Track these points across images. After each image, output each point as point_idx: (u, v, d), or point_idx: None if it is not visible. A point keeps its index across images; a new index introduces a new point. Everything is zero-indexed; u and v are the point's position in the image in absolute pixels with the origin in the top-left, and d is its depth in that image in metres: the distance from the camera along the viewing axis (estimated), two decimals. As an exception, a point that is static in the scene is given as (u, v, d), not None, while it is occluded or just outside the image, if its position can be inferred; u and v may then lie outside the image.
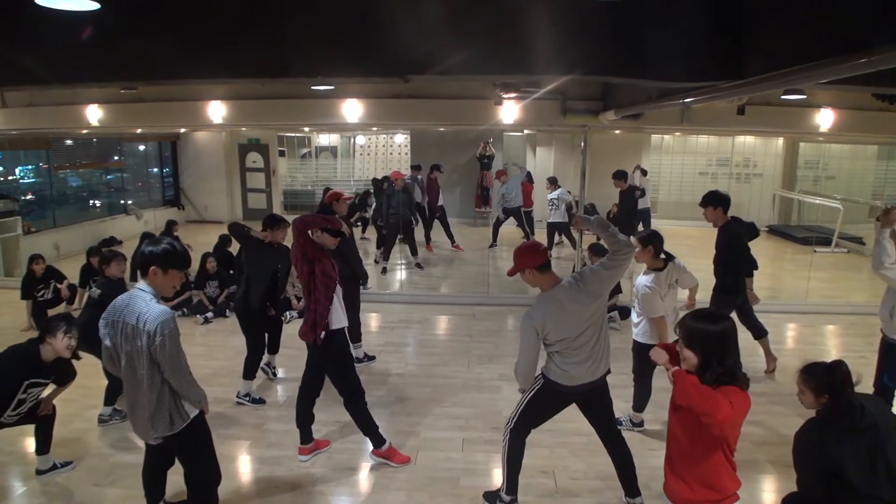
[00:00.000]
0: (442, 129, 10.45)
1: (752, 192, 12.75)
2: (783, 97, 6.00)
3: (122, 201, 12.01)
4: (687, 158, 12.79)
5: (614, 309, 6.34)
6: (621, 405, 3.91)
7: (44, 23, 3.21)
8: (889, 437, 2.28)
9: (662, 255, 3.84)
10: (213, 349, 5.79)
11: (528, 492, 3.34)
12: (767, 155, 12.73)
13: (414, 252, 8.90)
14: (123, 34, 3.41)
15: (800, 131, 8.31)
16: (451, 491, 3.47)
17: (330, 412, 4.14)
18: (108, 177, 12.17)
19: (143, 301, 2.48)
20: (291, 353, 5.04)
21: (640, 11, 3.27)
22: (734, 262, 4.73)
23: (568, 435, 3.92)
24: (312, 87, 6.38)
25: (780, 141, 12.58)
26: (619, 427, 3.46)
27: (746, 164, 12.83)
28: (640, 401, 4.07)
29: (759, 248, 6.11)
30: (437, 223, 10.08)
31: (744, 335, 3.76)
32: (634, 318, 3.92)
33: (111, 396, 4.22)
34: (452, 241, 9.93)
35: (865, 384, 3.17)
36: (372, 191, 10.60)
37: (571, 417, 3.22)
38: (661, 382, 3.15)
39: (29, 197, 10.17)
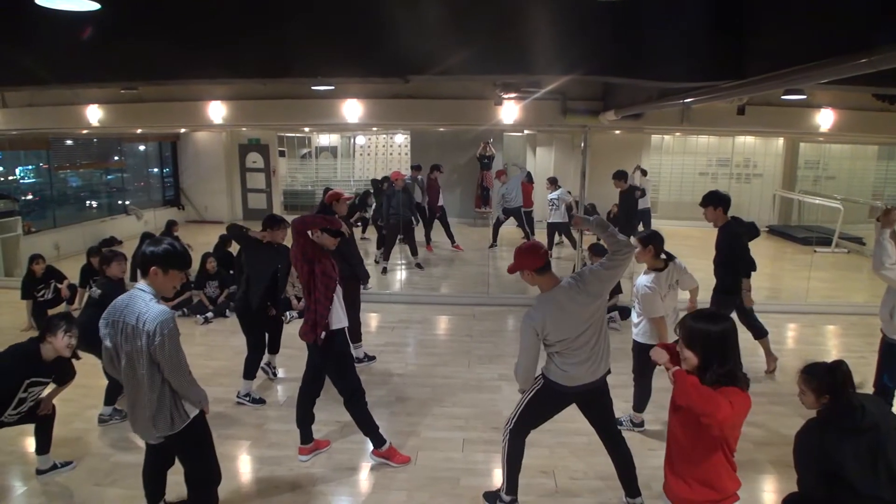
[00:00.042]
0: (442, 129, 10.45)
1: (752, 192, 12.75)
2: (783, 97, 6.01)
3: (121, 202, 12.01)
4: (687, 158, 12.79)
5: (614, 309, 6.34)
6: (621, 405, 3.91)
7: (44, 23, 3.21)
8: (890, 438, 2.27)
9: (663, 256, 3.84)
10: (213, 349, 5.79)
11: (528, 492, 3.34)
12: (767, 155, 12.74)
13: (414, 252, 8.90)
14: (123, 34, 3.41)
15: (800, 131, 8.32)
16: (451, 491, 3.47)
17: (330, 412, 4.14)
18: (109, 177, 12.17)
19: (143, 301, 2.48)
20: (292, 353, 5.04)
21: (641, 11, 3.27)
22: (734, 263, 4.73)
23: (568, 435, 3.92)
24: (312, 88, 6.39)
25: (781, 141, 12.58)
26: (619, 427, 3.46)
27: (746, 165, 12.83)
28: (641, 401, 4.07)
29: (760, 248, 6.12)
30: (437, 223, 10.08)
31: (744, 335, 3.76)
32: (634, 318, 3.92)
33: (111, 396, 4.22)
34: (453, 242, 9.93)
35: (865, 384, 3.16)
36: (372, 191, 10.60)
37: (572, 417, 3.22)
38: (662, 382, 3.15)
39: (29, 197, 10.18)
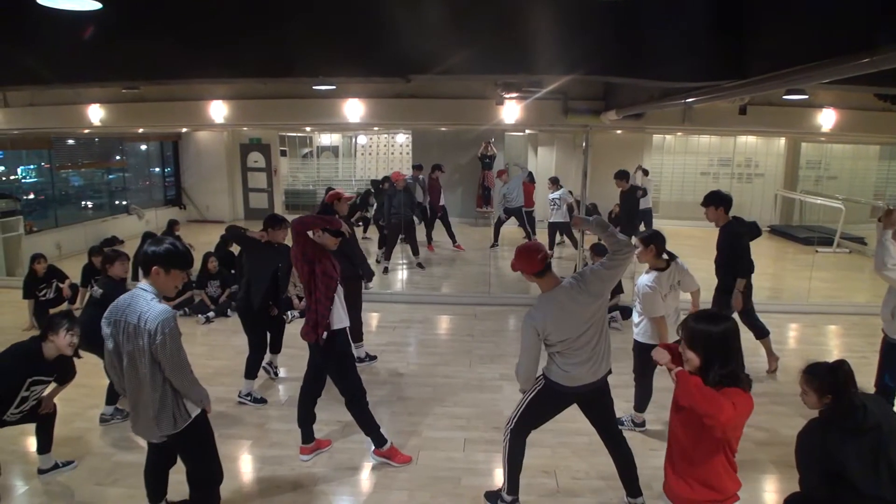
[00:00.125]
0: (443, 128, 10.46)
1: (753, 192, 12.73)
2: (785, 97, 6.00)
3: (123, 201, 12.02)
4: (689, 158, 12.77)
5: (616, 309, 6.34)
6: (622, 405, 3.91)
7: (46, 22, 3.21)
8: (892, 438, 2.27)
9: (665, 255, 3.84)
10: (214, 349, 5.79)
11: (529, 492, 3.34)
12: (769, 155, 12.72)
13: (415, 252, 8.90)
14: (125, 34, 3.41)
15: (802, 131, 8.31)
16: (452, 491, 3.47)
17: (331, 412, 4.14)
18: (110, 176, 12.19)
19: (145, 300, 2.49)
20: (293, 352, 5.04)
21: (642, 11, 3.27)
22: (735, 262, 4.73)
23: (569, 435, 3.92)
24: (314, 87, 6.39)
25: (782, 141, 12.56)
26: (620, 427, 3.46)
27: (748, 164, 12.81)
28: (642, 401, 4.07)
29: (761, 248, 6.11)
30: (438, 223, 10.08)
31: (746, 335, 3.76)
32: (635, 318, 3.92)
33: (113, 396, 4.22)
34: (454, 241, 9.93)
35: (866, 384, 3.16)
36: (372, 191, 10.61)
37: (573, 417, 3.22)
38: (663, 382, 3.15)
39: (31, 196, 10.19)
